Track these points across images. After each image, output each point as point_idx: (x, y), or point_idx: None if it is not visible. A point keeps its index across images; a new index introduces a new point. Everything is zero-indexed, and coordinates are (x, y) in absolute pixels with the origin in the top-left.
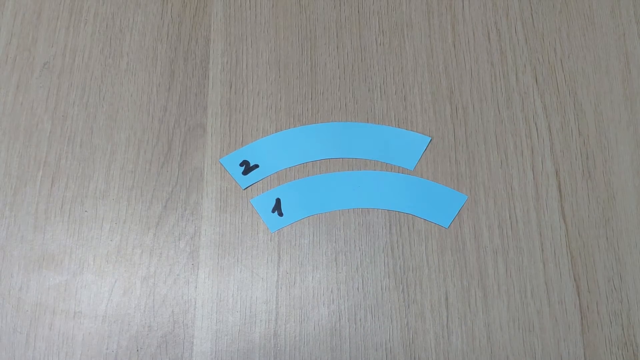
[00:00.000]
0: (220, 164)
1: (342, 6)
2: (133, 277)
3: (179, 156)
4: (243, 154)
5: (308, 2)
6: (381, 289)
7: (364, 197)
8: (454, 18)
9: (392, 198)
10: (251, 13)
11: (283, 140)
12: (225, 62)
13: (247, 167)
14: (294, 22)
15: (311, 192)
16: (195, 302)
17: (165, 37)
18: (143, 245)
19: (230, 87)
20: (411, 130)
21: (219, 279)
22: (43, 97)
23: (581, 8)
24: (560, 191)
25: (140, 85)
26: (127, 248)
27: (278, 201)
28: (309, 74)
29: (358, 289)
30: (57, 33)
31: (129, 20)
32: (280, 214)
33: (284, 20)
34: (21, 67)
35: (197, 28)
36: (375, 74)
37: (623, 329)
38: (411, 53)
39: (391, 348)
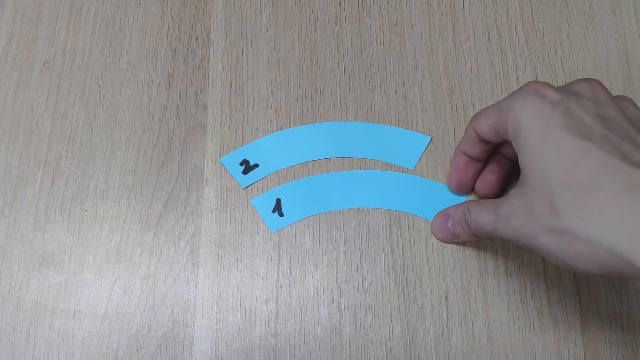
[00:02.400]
0: (220, 163)
1: (342, 5)
2: (133, 276)
3: (179, 155)
4: (243, 153)
5: (308, 1)
6: (381, 288)
7: (365, 196)
8: (454, 17)
9: (392, 197)
10: (251, 12)
11: (283, 140)
12: (225, 61)
13: (247, 167)
14: (294, 22)
15: (312, 192)
16: (195, 301)
17: (165, 36)
18: (143, 244)
19: (231, 87)
20: (411, 130)
21: (219, 278)
22: (43, 97)
23: (581, 7)
24: None
25: (140, 85)
26: (127, 247)
27: (278, 201)
28: (309, 73)
29: (358, 288)
30: (57, 32)
31: (129, 20)
32: (281, 214)
33: (284, 20)
34: (21, 66)
35: (197, 27)
36: (376, 73)
37: (623, 329)
38: (411, 52)
39: (391, 347)
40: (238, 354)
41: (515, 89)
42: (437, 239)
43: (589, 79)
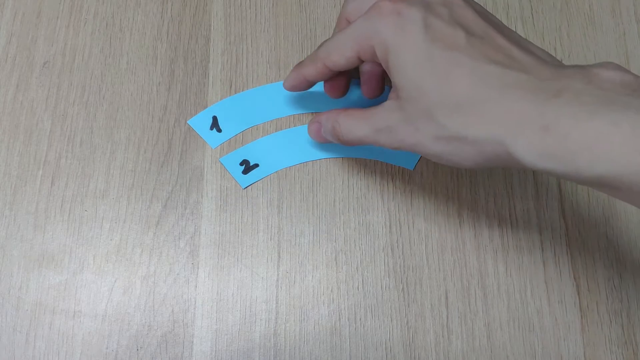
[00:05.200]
0: (220, 163)
1: (342, 5)
2: (133, 276)
3: (179, 155)
4: (243, 153)
5: (308, 1)
6: (381, 288)
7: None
8: None
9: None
10: (251, 12)
11: (283, 140)
12: (225, 61)
13: (247, 167)
14: (294, 21)
15: (247, 106)
16: (195, 301)
17: (165, 36)
18: (143, 244)
19: (231, 86)
20: None
21: (219, 278)
22: (43, 96)
23: (581, 7)
24: (560, 190)
25: (140, 85)
26: (127, 247)
27: (215, 119)
28: None
29: (358, 288)
30: (57, 32)
31: (129, 20)
32: (219, 130)
33: (284, 20)
34: (21, 66)
35: (197, 27)
36: None
37: (623, 328)
38: None
39: (391, 347)
40: (238, 354)
41: (365, 11)
42: (314, 139)
43: None
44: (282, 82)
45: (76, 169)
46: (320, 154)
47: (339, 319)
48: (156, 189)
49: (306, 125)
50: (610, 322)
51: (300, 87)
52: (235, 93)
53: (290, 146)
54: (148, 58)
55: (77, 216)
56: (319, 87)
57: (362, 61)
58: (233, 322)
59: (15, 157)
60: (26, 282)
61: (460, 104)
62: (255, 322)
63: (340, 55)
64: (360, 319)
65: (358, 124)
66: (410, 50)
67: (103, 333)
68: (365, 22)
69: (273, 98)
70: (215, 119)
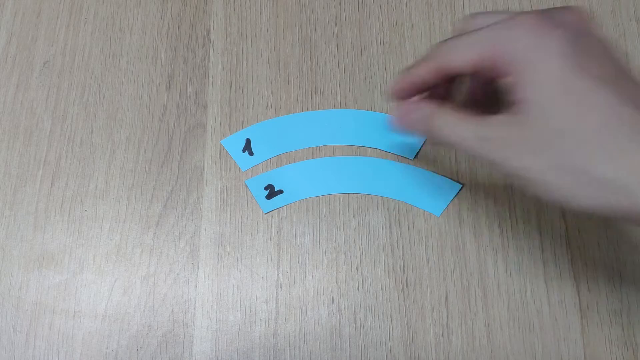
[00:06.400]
0: (222, 163)
1: (342, 5)
2: (133, 276)
3: (179, 155)
4: (269, 178)
5: (308, 1)
6: (381, 288)
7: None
8: (454, 17)
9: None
10: (251, 12)
11: (311, 169)
12: (225, 61)
13: (272, 192)
14: (294, 21)
15: (281, 132)
16: (195, 301)
17: (165, 36)
18: (143, 244)
19: (230, 87)
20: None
21: (219, 278)
22: (43, 96)
23: (581, 7)
24: None
25: (140, 85)
26: (127, 247)
27: (248, 141)
28: (309, 73)
29: (358, 288)
30: (57, 32)
31: (129, 20)
32: (251, 154)
33: (284, 20)
34: (21, 66)
35: (197, 27)
36: (376, 73)
37: (623, 329)
38: (411, 52)
39: (391, 347)
40: (238, 354)
41: (496, 22)
42: (395, 126)
43: (571, 8)
44: (317, 111)
45: (76, 169)
46: (344, 188)
47: (339, 319)
48: (156, 189)
49: (334, 157)
50: (611, 322)
51: (404, 91)
52: (236, 93)
53: (317, 176)
54: (148, 58)
55: (77, 216)
56: (356, 121)
57: (475, 71)
58: (233, 322)
59: (15, 157)
60: (26, 282)
61: (590, 137)
62: (255, 322)
63: (460, 56)
64: (360, 319)
65: (461, 124)
66: (551, 69)
67: (103, 333)
68: (502, 29)
69: (308, 126)
70: (248, 141)
